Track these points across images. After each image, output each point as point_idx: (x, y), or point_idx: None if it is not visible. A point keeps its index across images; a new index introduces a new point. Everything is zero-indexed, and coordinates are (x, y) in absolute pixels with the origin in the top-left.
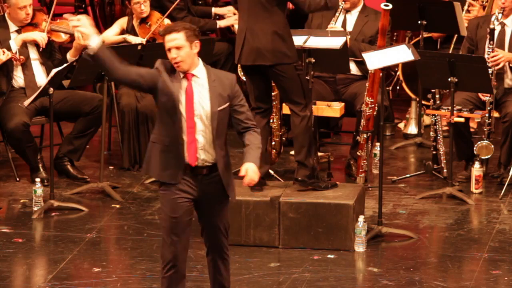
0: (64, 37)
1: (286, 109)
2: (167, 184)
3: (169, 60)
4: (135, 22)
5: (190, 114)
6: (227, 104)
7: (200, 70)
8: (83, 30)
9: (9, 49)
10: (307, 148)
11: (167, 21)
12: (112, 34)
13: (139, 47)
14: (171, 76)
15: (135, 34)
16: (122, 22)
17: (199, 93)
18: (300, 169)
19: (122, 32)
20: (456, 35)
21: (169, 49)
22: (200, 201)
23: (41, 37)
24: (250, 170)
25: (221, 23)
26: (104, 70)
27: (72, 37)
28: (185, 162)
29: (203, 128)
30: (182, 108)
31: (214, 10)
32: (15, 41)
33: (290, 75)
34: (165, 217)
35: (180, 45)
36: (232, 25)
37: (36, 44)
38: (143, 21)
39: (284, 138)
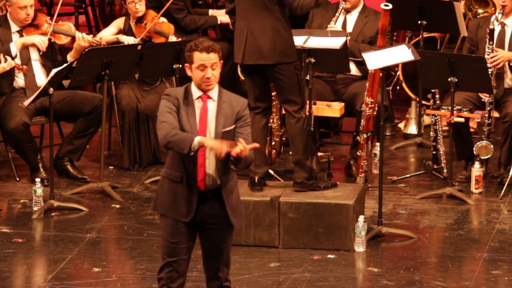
0: (65, 40)
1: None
2: None
3: (199, 79)
4: (132, 22)
5: (202, 136)
6: (232, 126)
7: (215, 92)
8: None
9: (9, 50)
10: (303, 150)
11: (162, 19)
12: (109, 34)
13: (139, 47)
14: (184, 98)
15: (132, 34)
16: (119, 22)
17: (211, 115)
18: (298, 171)
19: (119, 32)
20: (461, 36)
21: (204, 67)
22: (202, 225)
23: (40, 40)
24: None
25: (222, 19)
26: None
27: (73, 39)
28: (197, 197)
29: (210, 151)
30: (195, 130)
31: (211, 12)
32: (15, 44)
33: (289, 74)
34: (163, 241)
35: (216, 64)
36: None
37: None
38: (139, 20)
39: (284, 138)
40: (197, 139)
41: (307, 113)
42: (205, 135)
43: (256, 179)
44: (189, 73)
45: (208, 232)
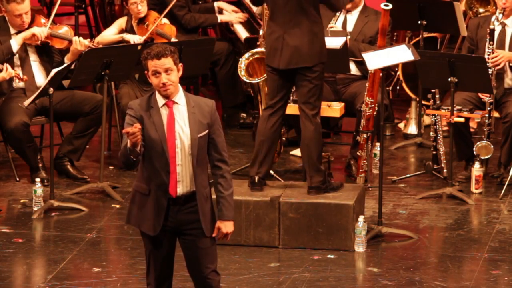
0: (62, 44)
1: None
2: None
3: (156, 85)
4: (134, 22)
5: (171, 143)
6: (206, 131)
7: (180, 97)
8: None
9: (10, 47)
10: (318, 154)
11: (165, 20)
12: (111, 34)
13: (139, 47)
14: (149, 108)
15: (135, 34)
16: (121, 22)
17: (179, 121)
18: (313, 176)
19: (121, 32)
20: (461, 35)
21: (158, 74)
22: (179, 232)
23: (40, 30)
24: (222, 229)
25: (222, 18)
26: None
27: (70, 43)
28: (165, 209)
29: (183, 157)
30: (165, 136)
31: (217, 4)
32: (16, 41)
33: (319, 75)
34: (145, 249)
35: (171, 69)
36: (232, 24)
37: (36, 45)
38: (141, 21)
39: (284, 138)
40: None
41: None
42: (174, 142)
43: (256, 179)
44: (150, 80)
45: (186, 238)
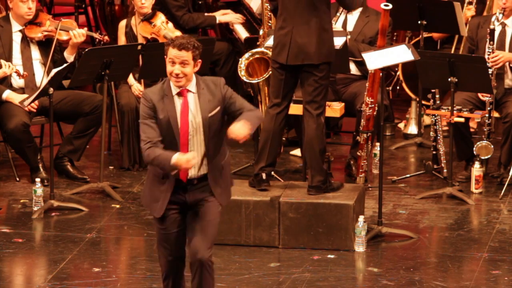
0: (65, 36)
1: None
2: None
3: (169, 73)
4: (135, 21)
5: (184, 131)
6: (218, 108)
7: (193, 85)
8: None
9: (11, 51)
10: (319, 154)
11: (171, 25)
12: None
13: (139, 47)
14: (163, 96)
15: (134, 34)
16: (122, 25)
17: (192, 109)
18: (314, 175)
19: (126, 34)
20: (457, 35)
21: (173, 63)
22: (188, 207)
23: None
24: (235, 128)
25: (221, 19)
26: None
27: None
28: (175, 180)
29: (196, 144)
30: (178, 125)
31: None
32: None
33: (326, 74)
34: (156, 228)
35: (187, 63)
36: (232, 24)
37: (38, 44)
38: (147, 19)
39: (284, 138)
40: (173, 162)
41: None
42: (187, 130)
43: (264, 176)
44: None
45: (196, 209)
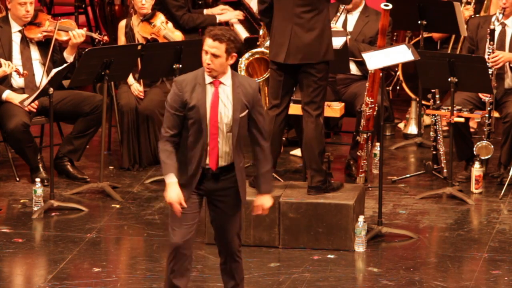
0: (65, 37)
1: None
2: None
3: (202, 62)
4: (135, 21)
5: (214, 121)
6: (247, 111)
7: (227, 78)
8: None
9: (10, 51)
10: (319, 154)
11: (171, 25)
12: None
13: (139, 47)
14: (195, 84)
15: (133, 33)
16: (122, 26)
17: (224, 101)
18: (314, 175)
19: (126, 34)
20: (454, 35)
21: (206, 53)
22: (211, 198)
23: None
24: (262, 203)
25: (221, 18)
26: None
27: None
28: (203, 169)
29: (225, 134)
30: (208, 115)
31: (206, 11)
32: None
33: (324, 75)
34: (171, 208)
35: (218, 54)
36: (232, 24)
37: (38, 44)
38: (147, 19)
39: (284, 138)
40: (166, 193)
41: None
42: (216, 120)
43: None
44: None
45: (217, 204)
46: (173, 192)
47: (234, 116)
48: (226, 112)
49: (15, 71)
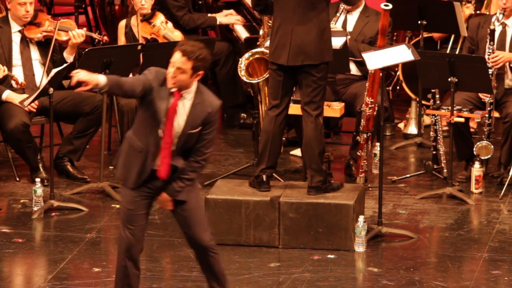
0: (65, 37)
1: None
2: None
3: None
4: (135, 21)
5: (168, 131)
6: (199, 129)
7: (189, 93)
8: (87, 78)
9: (10, 51)
10: (319, 154)
11: (170, 25)
12: (122, 42)
13: (139, 47)
14: (161, 88)
15: (133, 33)
16: (122, 26)
17: (180, 113)
18: (314, 175)
19: (126, 34)
20: (453, 35)
21: (172, 65)
22: (159, 192)
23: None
24: (161, 200)
25: (221, 20)
26: (117, 95)
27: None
28: (150, 171)
29: (175, 144)
30: (163, 123)
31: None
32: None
33: (324, 75)
34: (122, 208)
35: (184, 70)
36: (233, 25)
37: (38, 44)
38: (147, 19)
39: (284, 138)
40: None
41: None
42: (171, 130)
43: (265, 177)
44: None
45: (175, 201)
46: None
47: (183, 130)
48: (179, 123)
49: (14, 79)
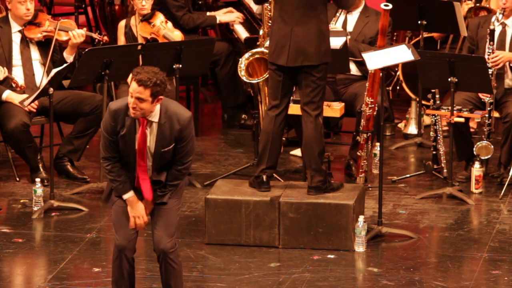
0: (65, 37)
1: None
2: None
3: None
4: (135, 21)
5: (141, 155)
6: (172, 145)
7: (155, 115)
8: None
9: (10, 51)
10: (318, 154)
11: (170, 24)
12: (122, 42)
13: (139, 47)
14: (126, 116)
15: (133, 34)
16: (121, 26)
17: (150, 136)
18: (314, 175)
19: (126, 35)
20: (451, 35)
21: (131, 96)
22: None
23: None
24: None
25: (221, 19)
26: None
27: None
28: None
29: (151, 165)
30: (133, 151)
31: (209, 14)
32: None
33: (323, 75)
34: (115, 207)
35: (143, 99)
36: (232, 24)
37: (38, 44)
38: (146, 19)
39: (284, 138)
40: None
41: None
42: (144, 155)
43: (265, 178)
44: None
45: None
46: (136, 207)
47: (156, 149)
48: (151, 146)
49: (13, 82)
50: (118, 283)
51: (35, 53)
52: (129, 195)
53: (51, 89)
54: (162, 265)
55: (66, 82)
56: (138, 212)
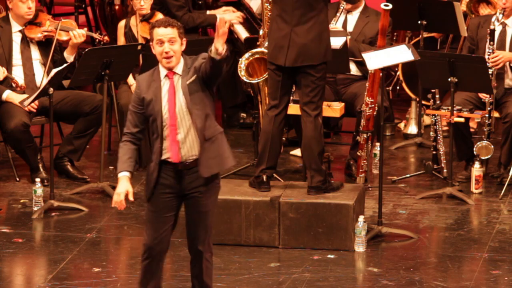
0: (65, 37)
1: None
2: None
3: (159, 54)
4: (134, 21)
5: (172, 113)
6: (195, 76)
7: (179, 67)
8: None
9: (11, 51)
10: (318, 154)
11: None
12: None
13: (139, 47)
14: (151, 81)
15: (133, 34)
16: (121, 26)
17: (178, 89)
18: (314, 176)
19: (126, 35)
20: (451, 35)
21: (161, 42)
22: (186, 195)
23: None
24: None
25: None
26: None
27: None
28: (164, 164)
29: (185, 125)
30: (164, 108)
31: (209, 12)
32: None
33: (323, 74)
34: (147, 210)
35: (175, 38)
36: (232, 24)
37: (38, 44)
38: (146, 19)
39: (284, 138)
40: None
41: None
42: (175, 112)
43: (265, 178)
44: (153, 51)
45: (190, 199)
46: (121, 185)
47: (183, 88)
48: (182, 101)
49: (14, 82)
50: (144, 283)
51: (35, 53)
52: (122, 174)
53: (51, 89)
54: (197, 265)
55: (66, 82)
56: (119, 189)
